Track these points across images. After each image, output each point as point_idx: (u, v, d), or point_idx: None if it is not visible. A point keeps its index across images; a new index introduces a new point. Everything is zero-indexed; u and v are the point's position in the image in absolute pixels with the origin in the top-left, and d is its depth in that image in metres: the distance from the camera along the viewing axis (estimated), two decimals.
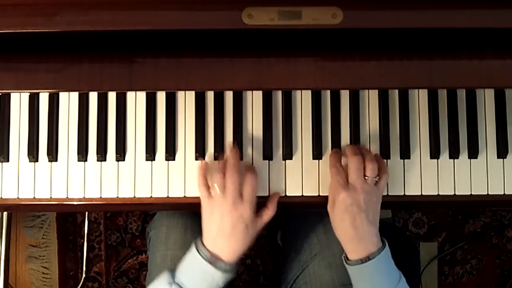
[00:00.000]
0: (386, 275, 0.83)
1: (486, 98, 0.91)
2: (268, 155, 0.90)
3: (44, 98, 0.91)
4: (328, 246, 0.98)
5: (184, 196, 0.89)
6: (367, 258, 0.82)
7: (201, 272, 0.81)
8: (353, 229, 0.82)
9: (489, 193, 0.90)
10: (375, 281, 0.82)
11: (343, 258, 0.86)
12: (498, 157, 0.91)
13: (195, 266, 0.82)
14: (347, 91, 0.91)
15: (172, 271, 0.84)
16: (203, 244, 0.83)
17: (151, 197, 0.89)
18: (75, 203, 0.90)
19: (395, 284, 0.82)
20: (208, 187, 0.85)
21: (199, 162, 0.88)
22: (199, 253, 0.82)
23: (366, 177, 0.83)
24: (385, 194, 0.89)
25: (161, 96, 0.91)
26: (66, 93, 0.90)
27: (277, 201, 0.87)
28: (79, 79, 0.88)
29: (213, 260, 0.81)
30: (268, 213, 0.86)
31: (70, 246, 1.58)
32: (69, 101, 0.91)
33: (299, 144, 0.90)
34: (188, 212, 1.02)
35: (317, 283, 0.96)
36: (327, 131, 0.90)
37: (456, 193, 0.90)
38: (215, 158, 0.90)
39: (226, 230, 0.82)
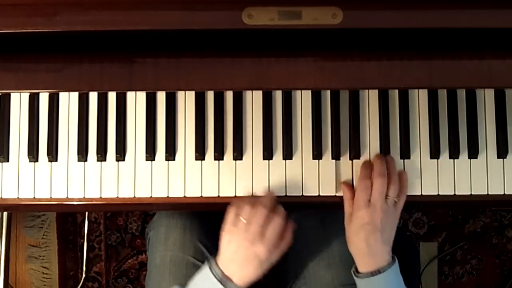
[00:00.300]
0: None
1: (486, 98, 0.91)
2: (268, 155, 0.89)
3: (44, 98, 0.91)
4: (327, 247, 0.98)
5: (184, 196, 0.89)
6: (377, 272, 0.83)
7: None
8: (366, 246, 0.83)
9: (489, 193, 0.90)
10: None
11: (352, 271, 0.87)
12: (498, 157, 0.91)
13: (205, 284, 0.83)
14: (347, 91, 0.91)
15: (182, 286, 0.85)
16: (216, 264, 0.83)
17: (151, 197, 0.89)
18: (75, 203, 0.90)
19: None
20: (237, 215, 0.84)
21: (197, 164, 0.88)
22: (211, 271, 0.82)
23: (388, 197, 0.84)
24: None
25: (161, 96, 0.91)
26: (66, 93, 0.90)
27: (292, 231, 0.86)
28: (79, 79, 0.88)
29: (225, 280, 0.81)
30: (285, 244, 0.86)
31: (70, 246, 1.58)
32: (69, 101, 0.91)
33: (299, 144, 0.90)
34: (187, 213, 1.02)
35: (317, 283, 0.96)
36: (327, 131, 0.90)
37: (456, 193, 0.90)
38: (215, 158, 0.90)
39: (239, 261, 0.82)
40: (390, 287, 0.84)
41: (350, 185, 0.89)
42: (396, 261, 0.85)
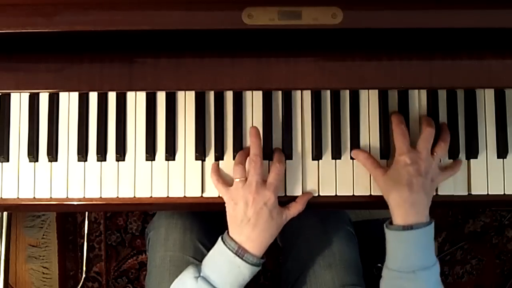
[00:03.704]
0: (422, 251, 0.81)
1: (486, 98, 0.91)
2: (268, 155, 0.89)
3: (44, 98, 0.91)
4: (328, 247, 0.98)
5: (184, 196, 0.89)
6: (410, 227, 0.80)
7: (228, 265, 0.81)
8: (408, 189, 0.80)
9: (489, 193, 0.90)
10: (409, 252, 0.80)
11: (384, 225, 0.84)
12: (498, 157, 0.91)
13: (221, 259, 0.82)
14: (347, 91, 0.91)
15: (197, 265, 0.84)
16: (229, 237, 0.83)
17: (151, 197, 0.89)
18: (75, 203, 0.90)
19: (429, 266, 0.80)
20: (224, 183, 0.86)
21: (196, 164, 0.88)
22: (226, 245, 0.82)
23: (434, 153, 0.83)
24: None
25: (161, 96, 0.91)
26: (66, 93, 0.90)
27: (307, 199, 0.87)
28: (79, 79, 0.88)
29: (240, 252, 0.81)
30: (297, 207, 0.86)
31: (70, 246, 1.58)
32: (69, 101, 0.91)
33: (299, 144, 0.90)
34: (187, 213, 1.02)
35: (317, 283, 0.96)
36: (327, 131, 0.90)
37: (456, 193, 0.90)
38: (216, 158, 0.90)
39: (251, 219, 0.82)
40: (419, 247, 0.80)
41: (358, 149, 0.88)
42: (433, 224, 0.81)
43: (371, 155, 0.88)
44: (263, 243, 0.83)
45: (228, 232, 0.84)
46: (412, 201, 0.81)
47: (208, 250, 0.98)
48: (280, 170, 0.85)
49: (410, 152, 0.82)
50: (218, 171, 0.88)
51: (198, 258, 0.97)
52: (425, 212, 0.82)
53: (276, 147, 0.89)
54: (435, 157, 0.84)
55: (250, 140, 0.87)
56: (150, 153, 0.89)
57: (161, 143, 0.90)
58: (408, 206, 0.81)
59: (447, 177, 0.87)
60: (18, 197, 0.90)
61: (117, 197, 0.89)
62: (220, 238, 0.84)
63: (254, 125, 0.90)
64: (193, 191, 0.89)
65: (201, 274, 0.82)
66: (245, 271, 0.81)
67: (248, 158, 0.85)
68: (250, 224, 0.82)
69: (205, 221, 1.03)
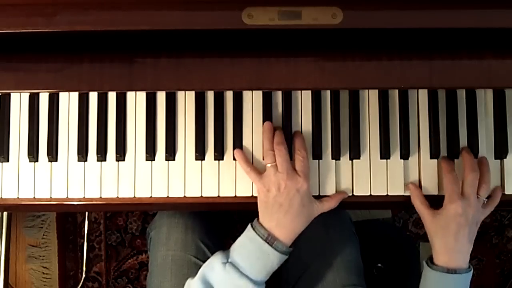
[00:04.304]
0: None
1: (486, 98, 0.91)
2: None
3: (44, 98, 0.91)
4: (329, 247, 0.98)
5: (184, 196, 0.89)
6: (454, 271, 0.83)
7: (257, 251, 0.81)
8: (454, 239, 0.83)
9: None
10: None
11: (425, 261, 0.86)
12: (497, 158, 0.91)
13: (251, 246, 0.82)
14: (347, 91, 0.91)
15: (226, 251, 0.84)
16: (259, 224, 0.83)
17: (151, 197, 0.89)
18: (75, 203, 0.90)
19: None
20: (255, 171, 0.86)
21: (197, 164, 0.88)
22: (256, 231, 0.82)
23: (479, 196, 0.84)
24: (385, 194, 0.90)
25: (161, 96, 0.91)
26: (66, 93, 0.90)
27: (341, 198, 0.88)
28: (79, 79, 0.88)
29: (270, 239, 0.81)
30: (330, 202, 0.86)
31: (70, 246, 1.58)
32: (69, 101, 0.91)
33: None
34: (189, 213, 1.02)
35: (319, 284, 0.96)
36: (327, 131, 0.90)
37: None
38: (215, 158, 0.90)
39: (283, 204, 0.82)
40: None
41: (415, 184, 0.89)
42: (472, 271, 0.85)
43: (423, 195, 0.87)
44: (293, 230, 0.83)
45: (258, 219, 0.84)
46: (457, 250, 0.83)
47: (210, 249, 0.98)
48: (304, 156, 0.85)
49: (460, 200, 0.82)
50: (247, 159, 0.88)
51: (199, 257, 0.97)
52: (467, 258, 0.85)
53: (297, 134, 0.88)
54: (480, 199, 0.85)
55: (271, 134, 0.87)
56: (150, 153, 0.89)
57: (161, 143, 0.90)
58: (452, 253, 0.83)
59: (489, 212, 0.88)
60: (18, 197, 0.90)
61: (117, 197, 0.89)
62: (249, 225, 0.84)
63: (254, 125, 0.90)
64: (193, 191, 0.89)
65: (229, 260, 0.82)
66: (274, 258, 0.81)
67: (274, 146, 0.85)
68: (282, 210, 0.82)
69: (207, 221, 1.03)
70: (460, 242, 0.83)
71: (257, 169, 0.87)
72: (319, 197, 0.89)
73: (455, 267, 0.83)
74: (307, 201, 0.83)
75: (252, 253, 0.81)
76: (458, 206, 0.82)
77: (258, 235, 0.82)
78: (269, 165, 0.84)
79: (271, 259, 0.81)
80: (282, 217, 0.82)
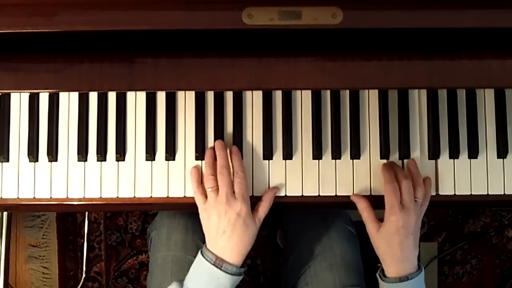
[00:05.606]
0: None
1: (486, 98, 0.91)
2: (268, 155, 0.89)
3: (44, 98, 0.91)
4: (329, 247, 0.98)
5: (184, 196, 0.89)
6: (406, 278, 0.83)
7: (207, 276, 0.82)
8: (400, 250, 0.82)
9: (489, 193, 0.90)
10: None
11: (378, 275, 0.86)
12: (498, 157, 0.91)
13: (201, 271, 0.83)
14: (347, 91, 0.91)
15: (181, 281, 0.85)
16: (207, 249, 0.83)
17: (151, 197, 0.89)
18: (75, 203, 0.90)
19: None
20: (202, 195, 0.85)
21: (197, 164, 0.88)
22: (204, 257, 0.82)
23: (416, 199, 0.84)
24: None
25: (161, 96, 0.91)
26: (66, 93, 0.90)
27: (273, 195, 0.87)
28: (79, 79, 0.88)
29: (218, 262, 0.82)
30: (264, 206, 0.86)
31: (70, 246, 1.58)
32: (69, 101, 0.91)
33: (299, 144, 0.90)
34: (189, 213, 1.02)
35: (319, 284, 0.96)
36: (327, 131, 0.90)
37: (456, 193, 0.90)
38: (216, 158, 0.90)
39: (226, 231, 0.82)
40: None
41: (360, 195, 0.88)
42: (423, 269, 0.85)
43: (370, 206, 0.86)
44: (240, 251, 0.83)
45: (206, 245, 0.85)
46: (404, 258, 0.83)
47: None
48: (241, 177, 0.84)
49: (400, 211, 0.82)
50: (199, 180, 0.87)
51: None
52: (415, 262, 0.84)
53: (234, 155, 0.87)
54: (418, 202, 0.84)
55: (216, 153, 0.87)
56: (150, 153, 0.89)
57: (161, 143, 0.90)
58: (401, 263, 0.83)
59: (427, 204, 0.88)
60: (18, 197, 0.90)
61: (117, 197, 0.89)
62: (199, 251, 0.84)
63: (254, 125, 0.90)
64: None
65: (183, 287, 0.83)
66: (225, 281, 0.81)
67: (217, 169, 0.85)
68: (225, 236, 0.82)
69: None
70: (406, 250, 0.83)
71: (204, 194, 0.85)
72: (319, 197, 0.89)
73: (406, 274, 0.83)
74: (249, 221, 0.83)
75: (203, 278, 0.82)
76: (399, 218, 0.82)
77: (207, 260, 0.82)
78: (209, 189, 0.84)
79: (222, 282, 0.81)
80: (227, 242, 0.82)
